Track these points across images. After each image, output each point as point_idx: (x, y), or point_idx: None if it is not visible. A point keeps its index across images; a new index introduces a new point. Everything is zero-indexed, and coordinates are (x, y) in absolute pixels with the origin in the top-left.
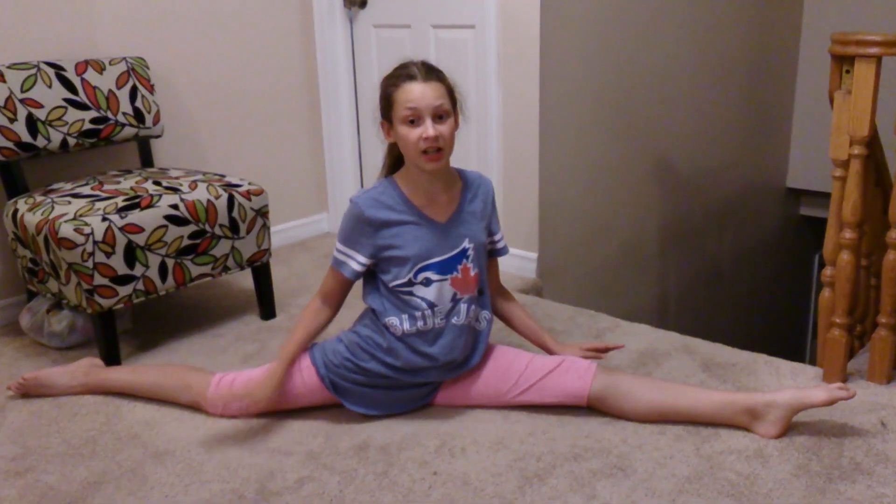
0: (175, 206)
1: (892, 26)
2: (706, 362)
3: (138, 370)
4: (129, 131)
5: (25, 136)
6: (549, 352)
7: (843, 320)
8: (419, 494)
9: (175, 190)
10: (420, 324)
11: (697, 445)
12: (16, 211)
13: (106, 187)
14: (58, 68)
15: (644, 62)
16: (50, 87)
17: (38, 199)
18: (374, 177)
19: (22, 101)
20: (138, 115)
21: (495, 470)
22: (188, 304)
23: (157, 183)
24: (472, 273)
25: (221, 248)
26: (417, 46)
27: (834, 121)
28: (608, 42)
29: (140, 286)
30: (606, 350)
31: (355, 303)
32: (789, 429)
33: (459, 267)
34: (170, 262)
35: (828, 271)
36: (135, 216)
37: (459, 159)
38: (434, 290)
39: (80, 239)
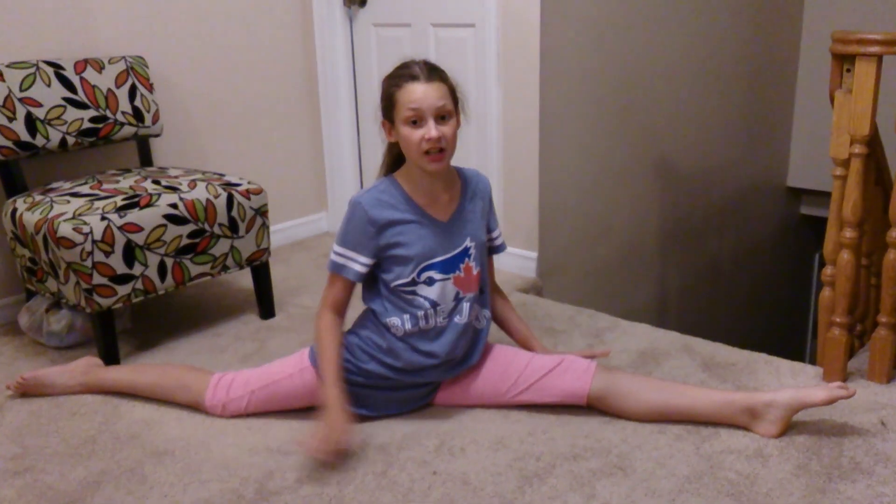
0: (174, 206)
1: (892, 25)
2: (706, 362)
3: (137, 370)
4: (128, 130)
5: (24, 135)
6: None
7: (844, 319)
8: (418, 494)
9: (174, 189)
10: (422, 323)
11: (697, 445)
12: (14, 210)
13: (105, 186)
14: (57, 67)
15: (644, 61)
16: (49, 86)
17: (37, 198)
18: (374, 176)
19: (21, 100)
20: (137, 115)
21: (495, 469)
22: (187, 303)
23: (156, 182)
24: (475, 272)
25: (220, 248)
26: (417, 45)
27: (834, 120)
28: (608, 41)
29: (139, 285)
30: (593, 357)
31: (355, 303)
32: (789, 428)
33: (462, 266)
34: (169, 262)
35: (828, 270)
36: (134, 215)
37: (459, 159)
38: (437, 290)
39: (78, 238)
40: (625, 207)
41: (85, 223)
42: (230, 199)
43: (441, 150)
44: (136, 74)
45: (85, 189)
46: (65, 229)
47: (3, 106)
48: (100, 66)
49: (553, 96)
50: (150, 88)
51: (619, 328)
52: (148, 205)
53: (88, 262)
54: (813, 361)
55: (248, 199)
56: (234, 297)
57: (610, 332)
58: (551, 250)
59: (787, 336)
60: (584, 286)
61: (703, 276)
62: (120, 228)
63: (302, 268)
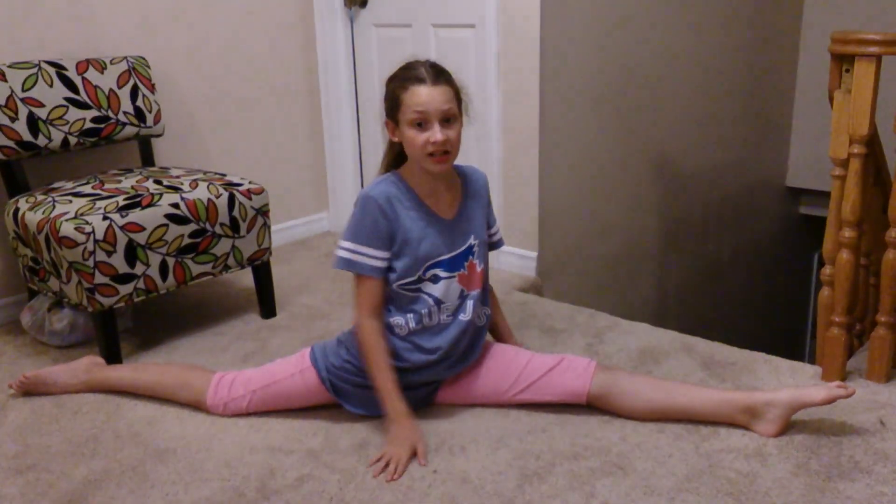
0: (176, 205)
1: (891, 25)
2: (705, 361)
3: (139, 369)
4: (129, 130)
5: (26, 135)
6: None
7: (843, 319)
8: (419, 493)
9: (176, 189)
10: (426, 321)
11: (697, 444)
12: (17, 210)
13: (107, 186)
14: (59, 67)
15: (644, 62)
16: (51, 86)
17: (39, 197)
18: (373, 175)
19: (23, 100)
20: (139, 115)
21: (495, 468)
22: (189, 302)
23: (157, 182)
24: (479, 269)
25: (222, 247)
26: (418, 46)
27: (833, 120)
28: (608, 41)
29: (141, 285)
30: None
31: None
32: (788, 427)
33: (466, 264)
34: (170, 261)
35: (827, 270)
36: (135, 215)
37: (459, 158)
38: (442, 287)
39: (80, 238)
40: (624, 207)
41: (87, 223)
42: (231, 198)
43: (446, 152)
44: (137, 75)
45: (87, 189)
46: (67, 229)
47: (6, 106)
48: (102, 67)
49: (553, 96)
50: (152, 89)
51: (618, 327)
52: (149, 204)
53: (90, 262)
54: (812, 361)
55: (250, 198)
56: (235, 297)
57: (610, 332)
58: (551, 250)
59: (787, 335)
60: (583, 286)
61: (703, 276)
62: (122, 228)
63: (303, 267)
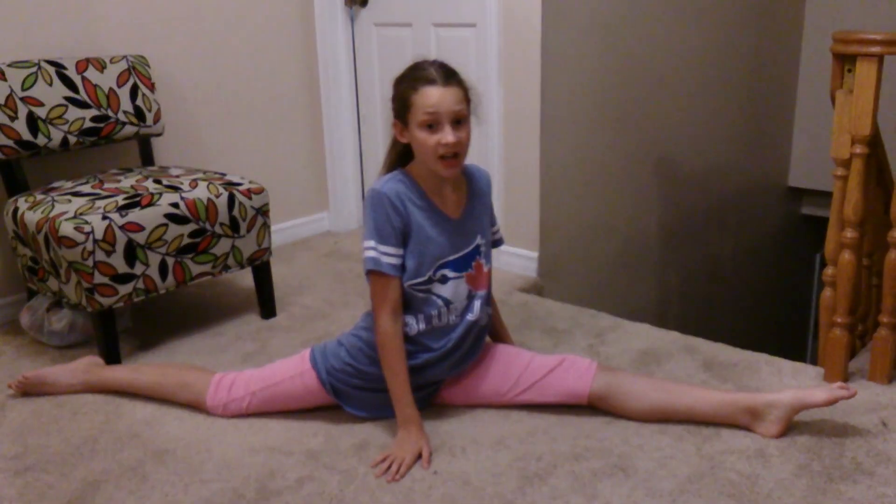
0: (175, 205)
1: (893, 25)
2: (707, 362)
3: (139, 369)
4: (129, 130)
5: (26, 135)
6: None
7: (845, 320)
8: (419, 494)
9: (175, 188)
10: (435, 321)
11: (698, 445)
12: (16, 209)
13: (106, 186)
14: (58, 66)
15: (645, 61)
16: (51, 85)
17: (39, 197)
18: (374, 175)
19: (22, 99)
20: (139, 114)
21: (496, 469)
22: (188, 302)
23: (157, 181)
24: (485, 269)
25: (222, 247)
26: (418, 45)
27: (835, 120)
28: (610, 41)
29: (140, 285)
30: None
31: (357, 301)
32: (790, 428)
33: (473, 263)
34: (170, 261)
35: (829, 270)
36: (135, 215)
37: None
38: (451, 288)
39: (80, 237)
40: (626, 207)
41: (86, 222)
42: (231, 198)
43: (455, 154)
44: (137, 74)
45: (86, 188)
46: (66, 228)
47: (5, 105)
48: (101, 66)
49: (554, 96)
50: (152, 88)
51: (620, 328)
52: (149, 204)
53: (90, 262)
54: (814, 361)
55: (250, 198)
56: (235, 297)
57: (611, 332)
58: (552, 250)
59: (788, 336)
60: (584, 286)
61: (705, 276)
62: (121, 228)
63: (303, 267)
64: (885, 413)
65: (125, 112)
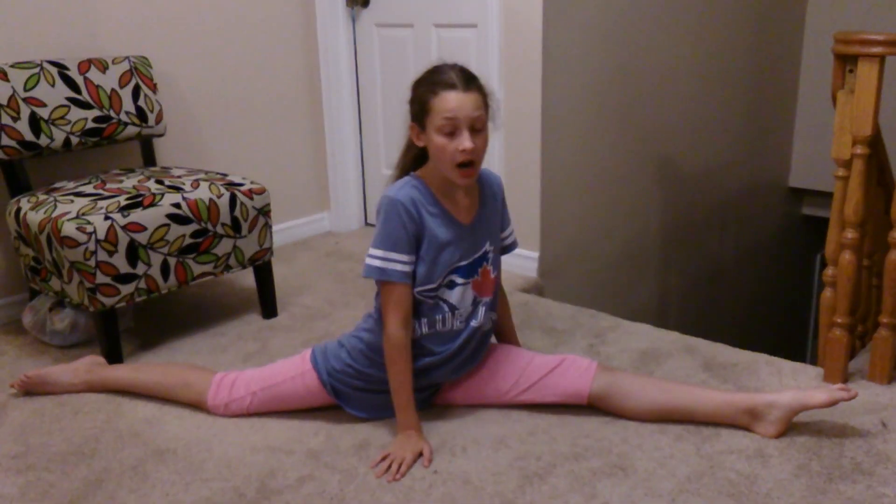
0: (177, 205)
1: (895, 26)
2: (707, 362)
3: (140, 368)
4: (131, 130)
5: (28, 135)
6: None
7: (845, 320)
8: (420, 493)
9: (177, 189)
10: (439, 326)
11: (698, 445)
12: (19, 209)
13: (108, 186)
14: (61, 67)
15: (647, 61)
16: (53, 85)
17: (41, 197)
18: (375, 176)
19: (25, 99)
20: (141, 114)
21: (496, 469)
22: (190, 302)
23: (159, 182)
24: (492, 275)
25: (223, 247)
26: (420, 46)
27: (836, 120)
28: (611, 41)
29: (142, 285)
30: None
31: (358, 301)
32: (790, 429)
33: (480, 270)
34: (172, 261)
35: (829, 271)
36: (137, 215)
37: None
38: (457, 293)
39: (82, 237)
40: (626, 207)
41: (88, 223)
42: (233, 198)
43: (472, 162)
44: (139, 74)
45: (88, 189)
46: (68, 228)
47: (8, 106)
48: (103, 66)
49: (555, 97)
50: (154, 88)
51: (620, 328)
52: (151, 204)
53: (92, 262)
54: (814, 362)
55: (251, 198)
56: (236, 297)
57: (611, 332)
58: (553, 250)
59: (788, 336)
60: (585, 286)
61: (705, 277)
62: (123, 228)
63: (304, 267)
64: (884, 413)
65: (127, 113)
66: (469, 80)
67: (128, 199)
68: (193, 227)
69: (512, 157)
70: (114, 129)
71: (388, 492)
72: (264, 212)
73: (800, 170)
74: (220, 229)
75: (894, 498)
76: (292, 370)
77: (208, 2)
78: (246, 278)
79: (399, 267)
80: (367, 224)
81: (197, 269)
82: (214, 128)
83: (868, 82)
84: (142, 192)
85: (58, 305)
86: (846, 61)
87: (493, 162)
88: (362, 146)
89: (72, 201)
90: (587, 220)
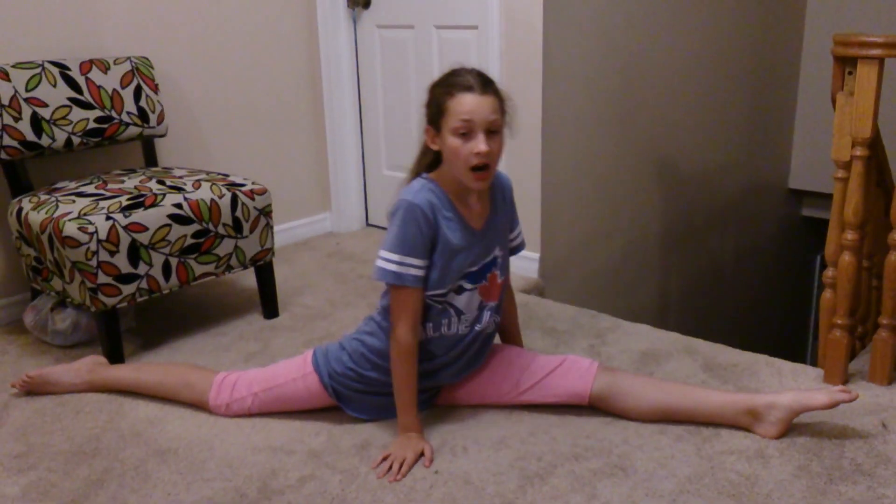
0: (179, 206)
1: (894, 28)
2: (707, 363)
3: (142, 368)
4: (133, 130)
5: (30, 135)
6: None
7: (845, 321)
8: (420, 493)
9: (179, 189)
10: (444, 330)
11: (698, 446)
12: (20, 209)
13: (110, 186)
14: (62, 67)
15: (647, 64)
16: (55, 86)
17: (43, 197)
18: (376, 176)
19: (27, 100)
20: (142, 115)
21: (496, 469)
22: (191, 302)
23: (160, 182)
24: (499, 280)
25: (225, 248)
26: (420, 47)
27: (836, 122)
28: (611, 42)
29: (144, 285)
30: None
31: (358, 302)
32: (790, 429)
33: (488, 275)
34: (173, 261)
35: (829, 272)
36: (139, 215)
37: None
38: (465, 299)
39: (84, 237)
40: (627, 209)
41: (90, 223)
42: (234, 199)
43: (486, 166)
44: (141, 75)
45: (90, 189)
46: (70, 229)
47: (9, 106)
48: (105, 67)
49: (555, 98)
50: (155, 89)
51: (620, 329)
52: (153, 205)
53: (93, 262)
54: (814, 363)
55: (252, 199)
56: (237, 297)
57: (611, 333)
58: (553, 251)
59: (789, 337)
60: (585, 287)
61: (705, 278)
62: (125, 228)
63: (305, 268)
64: (884, 415)
65: (129, 113)
66: (486, 84)
67: (129, 199)
68: (195, 227)
69: (512, 158)
70: (115, 129)
71: (389, 492)
72: (266, 212)
73: (799, 171)
74: (221, 230)
75: (894, 499)
76: (294, 372)
77: (210, 3)
78: (247, 278)
79: (413, 271)
80: (368, 225)
81: (198, 269)
82: (216, 128)
83: (867, 84)
84: (143, 193)
85: (59, 305)
86: (845, 63)
87: None
88: (363, 147)
89: (73, 201)
90: (588, 221)
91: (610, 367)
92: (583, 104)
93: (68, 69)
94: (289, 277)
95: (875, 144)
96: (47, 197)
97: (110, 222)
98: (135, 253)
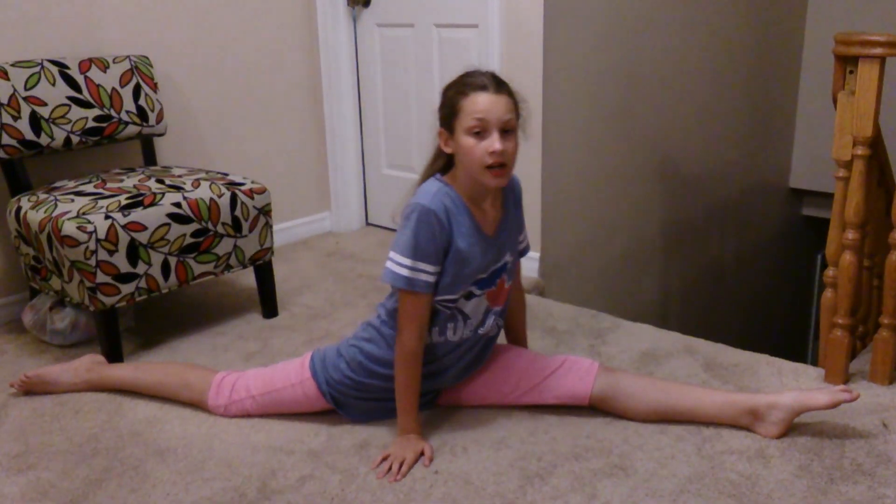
0: (178, 205)
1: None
2: (708, 362)
3: (141, 368)
4: (132, 129)
5: (29, 134)
6: None
7: (846, 321)
8: (420, 493)
9: (178, 188)
10: (450, 334)
11: (699, 445)
12: (19, 208)
13: (109, 185)
14: (61, 66)
15: (647, 63)
16: (54, 84)
17: (42, 196)
18: (376, 176)
19: (26, 98)
20: (141, 114)
21: (496, 469)
22: (190, 302)
23: (160, 181)
24: (507, 285)
25: (224, 247)
26: (421, 46)
27: (837, 121)
28: (611, 42)
29: (143, 284)
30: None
31: (358, 301)
32: (791, 429)
33: (497, 281)
34: (172, 261)
35: (830, 272)
36: (138, 214)
37: None
38: (473, 304)
39: (82, 237)
40: (627, 208)
41: (89, 222)
42: (234, 198)
43: (503, 164)
44: (140, 74)
45: (89, 188)
46: (69, 228)
47: (8, 105)
48: (104, 66)
49: (556, 97)
50: (155, 88)
51: (621, 328)
52: (152, 204)
53: (92, 261)
54: (815, 363)
55: (252, 198)
56: (237, 297)
57: (612, 333)
58: (554, 251)
59: (789, 337)
60: (586, 287)
61: (706, 277)
62: (124, 227)
63: (305, 267)
64: (885, 414)
65: (128, 112)
66: (500, 84)
67: (128, 198)
68: (194, 226)
69: None
70: (114, 128)
71: (388, 492)
72: (265, 211)
73: (800, 171)
74: (220, 229)
75: (895, 499)
76: (292, 377)
77: (209, 2)
78: (246, 278)
79: (425, 277)
80: (367, 224)
81: (197, 268)
82: (215, 127)
83: (868, 83)
84: (142, 192)
85: (58, 305)
86: (847, 62)
87: None
88: (363, 146)
89: (72, 200)
90: (588, 221)
91: (610, 367)
92: (583, 103)
93: (67, 68)
94: (288, 277)
95: (876, 143)
96: (46, 196)
97: (109, 221)
98: (134, 252)
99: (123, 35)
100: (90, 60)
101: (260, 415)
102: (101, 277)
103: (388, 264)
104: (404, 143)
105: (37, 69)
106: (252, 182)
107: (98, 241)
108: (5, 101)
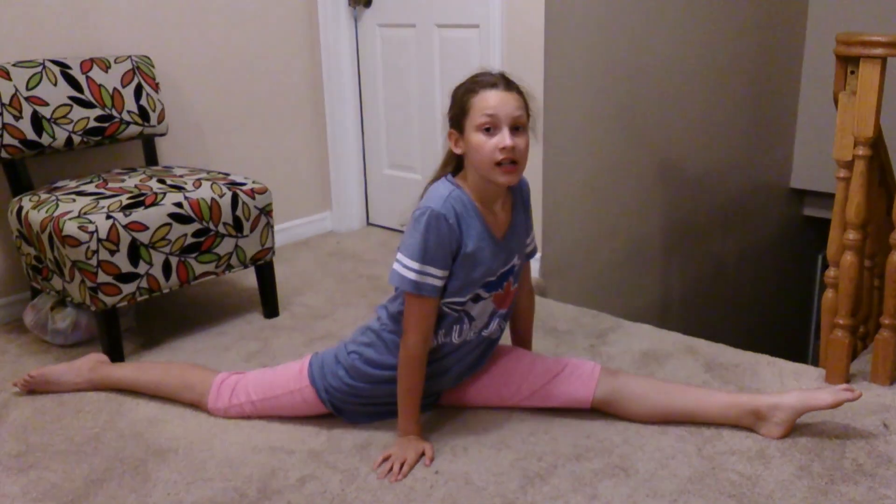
0: (179, 205)
1: None
2: (709, 363)
3: (142, 367)
4: (133, 129)
5: (30, 134)
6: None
7: (847, 321)
8: (421, 494)
9: (179, 188)
10: (454, 337)
11: (699, 446)
12: (20, 208)
13: (110, 185)
14: (63, 66)
15: (648, 62)
16: (55, 84)
17: (43, 196)
18: (377, 176)
19: (27, 98)
20: (143, 114)
21: (497, 469)
22: (191, 302)
23: (161, 181)
24: (513, 288)
25: (225, 247)
26: (422, 46)
27: (838, 121)
28: (612, 42)
29: (144, 284)
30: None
31: (359, 301)
32: (791, 430)
33: (504, 284)
34: (173, 260)
35: (831, 272)
36: (139, 214)
37: None
38: (480, 307)
39: (84, 236)
40: (628, 208)
41: (90, 222)
42: (235, 198)
43: (514, 161)
44: (141, 74)
45: (90, 188)
46: (70, 228)
47: (10, 104)
48: (106, 66)
49: (557, 97)
50: (156, 88)
51: (621, 329)
52: (153, 204)
53: (93, 261)
54: (816, 363)
55: (253, 198)
56: (238, 296)
57: (613, 333)
58: (555, 251)
59: (790, 337)
60: (587, 287)
61: (707, 277)
62: (125, 227)
63: (306, 267)
64: (886, 415)
65: (129, 112)
66: (510, 82)
67: (130, 198)
68: (195, 226)
69: None
70: (116, 128)
71: (389, 492)
72: (266, 211)
73: (801, 171)
74: (221, 229)
75: (895, 500)
76: (291, 383)
77: (211, 1)
78: (247, 278)
79: (432, 281)
80: (368, 224)
81: (199, 268)
82: (216, 127)
83: (870, 83)
84: (143, 192)
85: (59, 304)
86: (848, 62)
87: None
88: (364, 146)
89: (73, 200)
90: (589, 221)
91: (612, 369)
92: (584, 103)
93: (69, 68)
94: (289, 277)
95: (877, 144)
96: (47, 196)
97: (110, 221)
98: (135, 252)
99: (125, 35)
100: (92, 60)
101: (259, 417)
102: (103, 277)
103: (396, 266)
104: (405, 143)
105: (38, 69)
106: (253, 182)
107: (99, 240)
108: (7, 101)
